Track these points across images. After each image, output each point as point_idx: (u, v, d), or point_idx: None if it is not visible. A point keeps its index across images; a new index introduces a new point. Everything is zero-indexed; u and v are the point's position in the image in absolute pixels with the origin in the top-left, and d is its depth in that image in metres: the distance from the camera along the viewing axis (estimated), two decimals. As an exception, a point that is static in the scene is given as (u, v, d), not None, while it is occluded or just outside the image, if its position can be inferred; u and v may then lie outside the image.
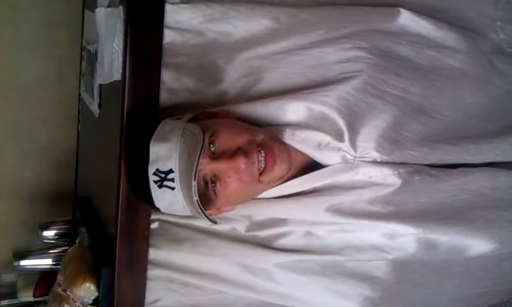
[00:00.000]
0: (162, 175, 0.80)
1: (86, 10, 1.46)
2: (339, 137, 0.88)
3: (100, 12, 0.98)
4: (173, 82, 0.94)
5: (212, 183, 0.82)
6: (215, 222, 0.85)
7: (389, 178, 0.90)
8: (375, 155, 0.90)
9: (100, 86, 1.14)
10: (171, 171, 0.79)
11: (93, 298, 1.01)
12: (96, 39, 1.07)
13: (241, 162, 0.81)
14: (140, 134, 0.86)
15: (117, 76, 0.94)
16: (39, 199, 1.67)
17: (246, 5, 0.93)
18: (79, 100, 1.58)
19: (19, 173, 1.65)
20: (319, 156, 0.90)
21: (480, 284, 1.09)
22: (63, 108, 1.65)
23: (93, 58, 1.17)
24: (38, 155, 1.67)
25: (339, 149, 0.89)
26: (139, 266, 0.95)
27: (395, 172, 0.90)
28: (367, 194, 0.90)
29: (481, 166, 0.96)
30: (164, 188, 0.80)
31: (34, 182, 1.67)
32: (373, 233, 0.92)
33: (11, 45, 1.59)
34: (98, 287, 1.00)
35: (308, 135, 0.89)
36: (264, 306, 0.98)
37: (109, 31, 0.95)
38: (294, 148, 0.89)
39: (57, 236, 1.50)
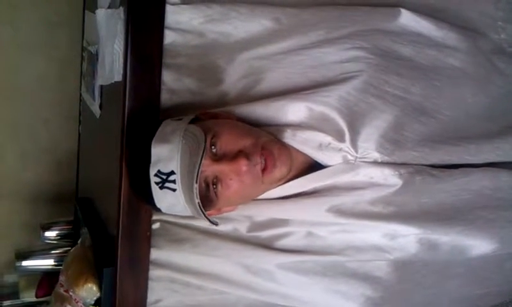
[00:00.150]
0: (164, 177, 0.80)
1: (86, 11, 1.46)
2: (340, 137, 0.88)
3: (101, 13, 0.98)
4: (173, 83, 0.94)
5: (213, 184, 0.82)
6: (216, 224, 0.85)
7: (390, 178, 0.90)
8: (376, 155, 0.90)
9: (101, 86, 1.14)
10: (172, 172, 0.79)
11: (95, 298, 1.01)
12: (97, 40, 1.07)
13: (243, 165, 0.81)
14: (141, 135, 0.86)
15: (118, 77, 0.94)
16: (40, 199, 1.67)
17: (247, 6, 0.93)
18: (80, 100, 1.58)
19: (20, 174, 1.65)
20: (319, 156, 0.90)
21: (482, 285, 1.09)
22: (64, 109, 1.65)
23: (93, 59, 1.17)
24: (39, 155, 1.67)
25: (340, 149, 0.89)
26: (140, 266, 0.95)
27: (396, 172, 0.90)
28: (368, 195, 0.90)
29: (482, 166, 0.96)
30: (165, 190, 0.81)
31: (35, 183, 1.67)
32: (374, 233, 0.92)
33: (11, 46, 1.59)
34: (100, 287, 1.00)
35: (309, 135, 0.89)
36: (265, 306, 0.98)
37: (110, 32, 0.95)
38: (295, 149, 0.89)
39: (59, 237, 1.50)
